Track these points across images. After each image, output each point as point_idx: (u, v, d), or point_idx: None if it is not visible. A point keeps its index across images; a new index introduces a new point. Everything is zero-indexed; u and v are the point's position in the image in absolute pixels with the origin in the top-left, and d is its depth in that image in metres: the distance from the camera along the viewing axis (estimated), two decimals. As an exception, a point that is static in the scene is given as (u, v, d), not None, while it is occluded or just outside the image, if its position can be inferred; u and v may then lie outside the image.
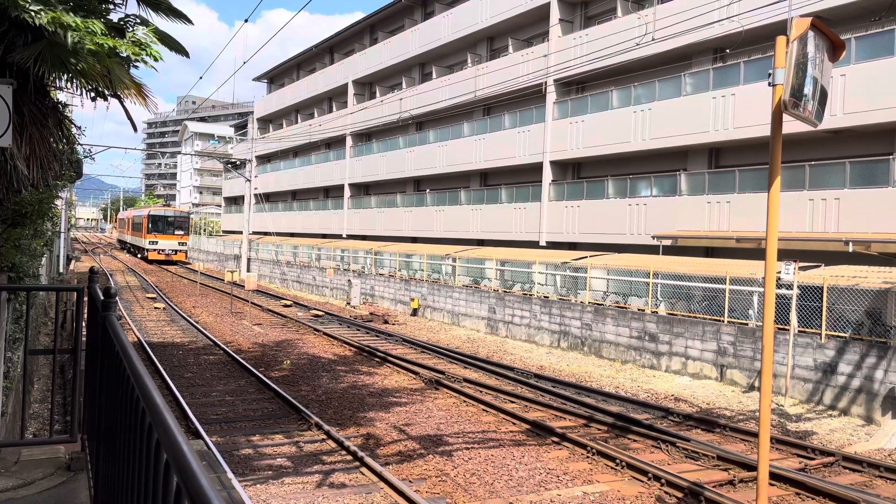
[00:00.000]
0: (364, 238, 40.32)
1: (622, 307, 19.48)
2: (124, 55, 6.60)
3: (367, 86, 43.05)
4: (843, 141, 18.65)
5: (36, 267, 13.00)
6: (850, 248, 16.11)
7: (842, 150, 18.64)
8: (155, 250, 52.07)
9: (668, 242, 21.41)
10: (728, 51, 20.40)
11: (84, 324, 5.22)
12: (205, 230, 72.41)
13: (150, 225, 52.19)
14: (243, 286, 32.39)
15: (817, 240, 17.23)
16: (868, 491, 8.90)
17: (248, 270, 42.26)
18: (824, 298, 14.18)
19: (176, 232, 52.79)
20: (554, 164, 27.31)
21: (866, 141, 18.27)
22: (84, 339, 5.01)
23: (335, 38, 46.40)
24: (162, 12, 7.43)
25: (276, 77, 57.81)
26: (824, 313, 14.15)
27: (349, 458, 9.50)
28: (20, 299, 8.51)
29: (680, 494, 8.57)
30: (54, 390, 6.02)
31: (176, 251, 52.93)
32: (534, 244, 27.31)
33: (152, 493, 1.71)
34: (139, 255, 59.15)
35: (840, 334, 14.17)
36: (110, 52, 6.26)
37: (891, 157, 17.14)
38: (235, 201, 60.89)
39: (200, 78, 24.89)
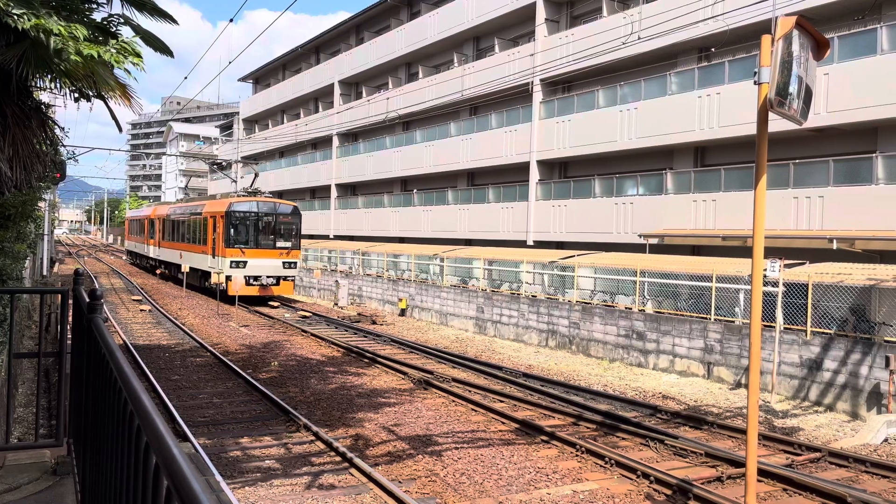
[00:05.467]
0: (351, 238, 40.21)
1: (609, 306, 19.54)
2: (107, 59, 6.56)
3: (354, 86, 42.96)
4: (826, 139, 18.81)
5: (19, 269, 12.87)
6: (835, 246, 16.25)
7: (826, 148, 18.81)
8: (242, 278, 27.00)
9: (654, 241, 21.51)
10: (713, 50, 20.54)
11: (69, 327, 5.17)
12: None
13: (229, 230, 27.90)
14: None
15: (802, 237, 17.38)
16: (855, 486, 8.97)
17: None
18: (809, 295, 14.30)
19: (279, 243, 28.62)
20: (541, 163, 27.37)
21: (849, 139, 18.44)
22: (69, 342, 4.96)
23: (321, 38, 46.27)
24: (147, 12, 7.38)
25: (261, 77, 57.57)
26: (809, 310, 14.26)
27: (338, 459, 9.47)
28: (3, 302, 8.42)
29: (669, 492, 8.60)
30: (39, 394, 5.97)
31: (279, 279, 28.44)
32: (521, 243, 27.36)
33: (141, 496, 1.69)
34: (182, 281, 32.63)
35: (825, 331, 14.29)
36: (92, 59, 6.21)
37: (874, 155, 17.31)
38: (221, 202, 60.49)
39: (185, 78, 24.79)
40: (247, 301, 28.59)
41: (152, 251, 41.71)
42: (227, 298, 27.47)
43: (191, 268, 31.23)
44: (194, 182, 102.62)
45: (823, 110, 17.46)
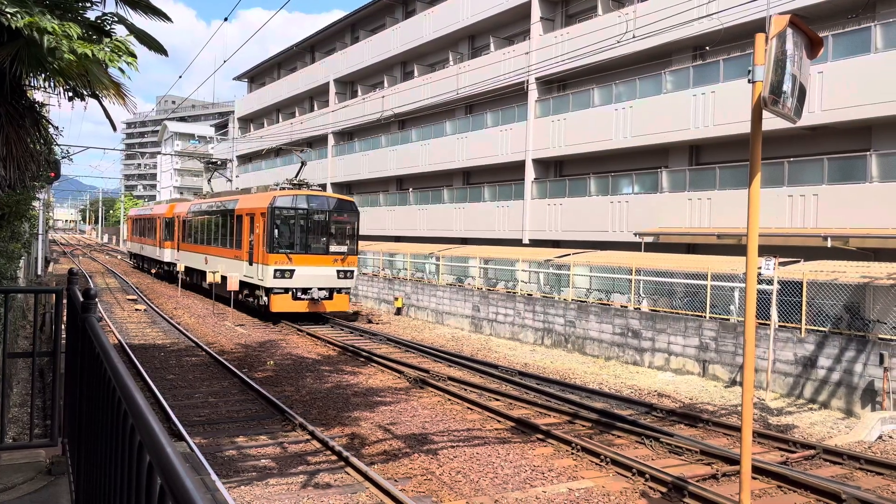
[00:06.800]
0: (347, 237, 40.15)
1: (605, 304, 19.57)
2: (101, 58, 6.54)
3: (349, 84, 42.92)
4: (821, 138, 18.86)
5: (14, 269, 12.84)
6: (829, 244, 16.30)
7: (820, 146, 18.86)
8: (286, 291, 22.68)
9: (649, 239, 21.55)
10: (708, 48, 20.57)
11: (63, 326, 5.16)
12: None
13: (272, 231, 22.74)
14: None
15: (797, 235, 17.42)
16: (849, 483, 9.01)
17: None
18: (804, 293, 14.34)
19: (332, 247, 23.53)
20: (536, 162, 27.39)
21: (844, 137, 18.49)
22: (63, 341, 4.95)
23: (316, 36, 46.21)
24: (140, 10, 7.36)
25: (256, 76, 57.46)
26: (804, 308, 14.31)
27: (334, 458, 9.46)
28: (-2, 302, 8.39)
29: (664, 489, 8.62)
30: (34, 394, 5.96)
31: (332, 291, 23.41)
32: (517, 242, 27.38)
33: (135, 495, 1.69)
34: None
35: (819, 328, 14.34)
36: (86, 57, 6.20)
37: (868, 153, 17.37)
38: (217, 201, 60.27)
39: (180, 77, 24.71)
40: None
41: (168, 255, 36.08)
42: (224, 300, 27.26)
43: (219, 275, 25.82)
44: (187, 181, 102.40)
45: (818, 109, 17.51)
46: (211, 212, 29.34)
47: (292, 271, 22.55)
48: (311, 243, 23.19)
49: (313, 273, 22.96)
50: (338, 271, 23.37)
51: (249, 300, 24.25)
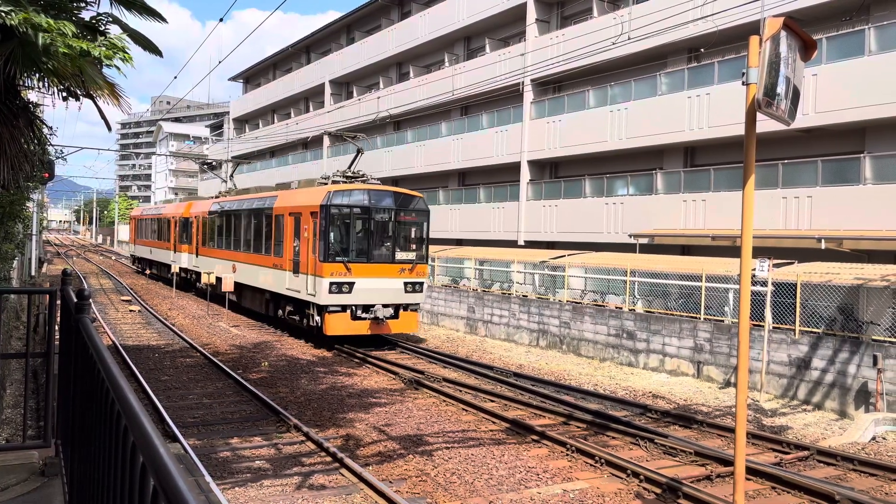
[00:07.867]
0: (342, 238, 40.08)
1: (600, 305, 19.59)
2: (96, 55, 6.52)
3: (345, 86, 42.90)
4: (815, 140, 18.93)
5: (7, 270, 12.80)
6: (823, 245, 16.36)
7: (814, 148, 18.93)
8: (343, 309, 18.14)
9: (644, 241, 21.58)
10: (703, 50, 20.63)
11: (57, 327, 5.14)
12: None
13: (327, 235, 18.18)
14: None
15: (791, 237, 17.48)
16: (843, 484, 9.03)
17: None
18: (798, 295, 14.38)
19: (399, 254, 19.09)
20: (531, 163, 27.42)
21: (838, 140, 18.57)
22: (57, 342, 4.94)
23: (311, 37, 46.20)
24: (135, 10, 7.34)
25: (251, 77, 57.41)
26: (798, 309, 14.35)
27: (329, 459, 9.45)
28: (-9, 303, 8.35)
29: (658, 490, 8.63)
30: (27, 395, 5.94)
31: (398, 308, 18.87)
32: (512, 243, 27.40)
33: (128, 496, 1.68)
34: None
35: (814, 330, 14.38)
36: (82, 52, 6.19)
37: (861, 155, 17.43)
38: (212, 202, 60.08)
39: (175, 78, 24.67)
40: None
41: (185, 260, 31.62)
42: (222, 300, 27.09)
43: (254, 287, 22.42)
44: (182, 182, 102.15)
45: (812, 111, 17.57)
46: (240, 211, 25.07)
47: (351, 284, 18.24)
48: (373, 250, 18.84)
49: (376, 286, 18.65)
50: (405, 283, 19.01)
51: (295, 318, 20.19)
